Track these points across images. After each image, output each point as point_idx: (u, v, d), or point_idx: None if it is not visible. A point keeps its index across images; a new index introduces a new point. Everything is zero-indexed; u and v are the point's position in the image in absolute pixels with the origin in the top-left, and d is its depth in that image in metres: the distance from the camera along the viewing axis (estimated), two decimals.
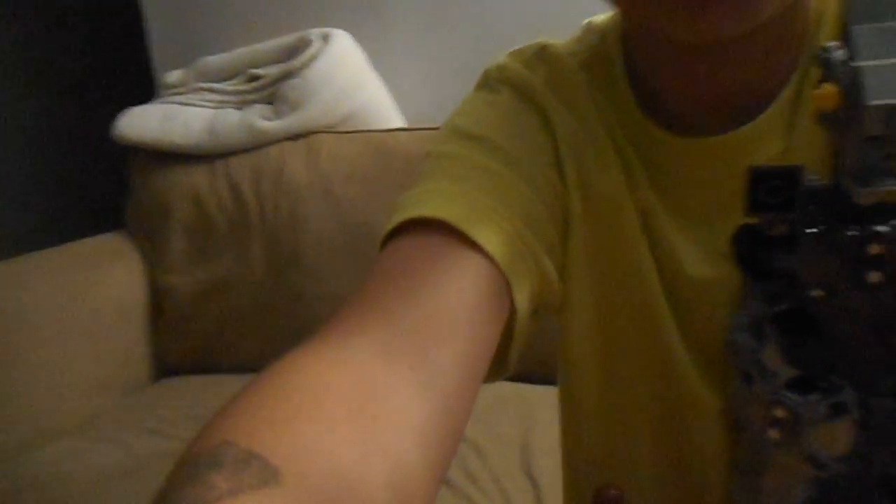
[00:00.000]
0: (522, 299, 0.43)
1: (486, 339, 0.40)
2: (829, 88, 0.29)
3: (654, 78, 0.49)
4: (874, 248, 0.31)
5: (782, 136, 0.45)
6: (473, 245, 0.41)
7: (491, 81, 0.52)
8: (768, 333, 0.34)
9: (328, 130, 1.46)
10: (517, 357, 0.46)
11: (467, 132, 0.48)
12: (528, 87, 0.50)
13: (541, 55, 0.52)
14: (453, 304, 0.39)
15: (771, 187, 0.33)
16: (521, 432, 1.30)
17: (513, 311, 0.42)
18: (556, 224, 0.48)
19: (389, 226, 0.43)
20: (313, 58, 1.43)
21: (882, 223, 0.31)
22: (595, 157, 0.49)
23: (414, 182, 0.46)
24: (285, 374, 0.33)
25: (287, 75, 1.44)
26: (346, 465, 0.29)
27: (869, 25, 0.30)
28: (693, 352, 0.48)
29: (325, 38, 1.46)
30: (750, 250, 0.36)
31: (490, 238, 0.41)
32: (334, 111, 1.45)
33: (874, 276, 0.31)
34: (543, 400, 1.33)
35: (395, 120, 1.55)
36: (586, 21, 0.54)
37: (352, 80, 1.49)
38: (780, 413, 0.33)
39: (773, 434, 0.34)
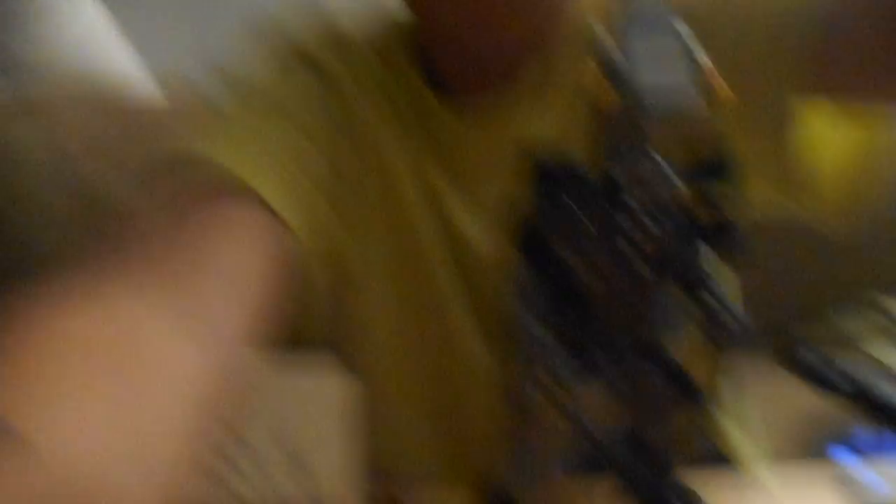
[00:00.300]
0: (310, 260, 0.41)
1: (268, 294, 0.37)
2: (608, 93, 0.32)
3: (432, 28, 0.48)
4: (623, 221, 0.34)
5: (545, 114, 0.47)
6: (260, 199, 0.38)
7: (277, 49, 0.50)
8: (535, 302, 0.37)
9: (54, 95, 1.28)
10: (304, 322, 0.45)
11: (251, 92, 0.46)
12: (315, 57, 0.49)
13: (328, 28, 0.51)
14: (232, 254, 0.36)
15: (547, 174, 0.36)
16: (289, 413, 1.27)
17: (298, 272, 0.40)
18: (344, 190, 0.47)
19: (162, 162, 0.39)
20: (38, 14, 1.25)
21: (631, 201, 0.35)
22: (383, 130, 0.49)
23: (189, 130, 0.43)
24: (33, 324, 0.28)
25: (3, 30, 1.24)
26: (102, 426, 0.26)
27: (643, 37, 0.33)
28: (482, 328, 0.50)
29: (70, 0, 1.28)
30: (525, 232, 0.38)
31: (279, 194, 0.39)
32: (65, 72, 1.28)
33: (622, 245, 0.35)
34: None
35: (140, 84, 1.41)
36: None
37: (87, 40, 1.33)
38: (544, 378, 0.36)
39: (539, 398, 0.37)
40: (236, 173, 0.38)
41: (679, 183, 0.35)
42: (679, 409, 0.38)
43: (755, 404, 0.61)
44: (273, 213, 0.39)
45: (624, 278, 0.36)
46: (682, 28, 0.33)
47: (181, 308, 0.32)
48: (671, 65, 0.32)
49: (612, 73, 0.33)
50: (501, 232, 0.44)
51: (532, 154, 0.36)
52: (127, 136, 1.25)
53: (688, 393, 0.37)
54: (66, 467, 0.25)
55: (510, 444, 0.40)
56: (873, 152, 0.45)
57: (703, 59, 0.32)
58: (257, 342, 0.36)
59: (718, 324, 0.36)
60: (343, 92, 0.48)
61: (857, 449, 1.06)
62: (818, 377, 1.20)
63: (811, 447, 1.04)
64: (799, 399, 1.15)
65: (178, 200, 0.37)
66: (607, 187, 0.35)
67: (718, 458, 0.57)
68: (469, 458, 0.52)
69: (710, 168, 0.36)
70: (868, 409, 1.12)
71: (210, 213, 0.37)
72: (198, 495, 0.31)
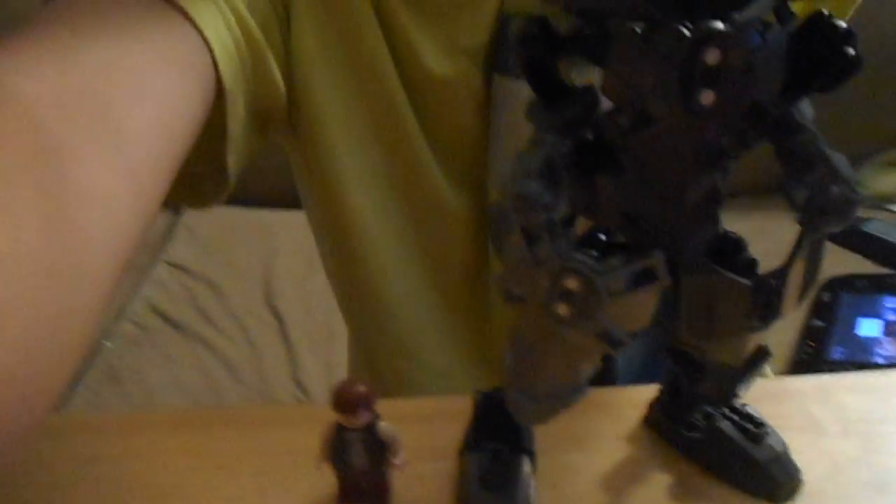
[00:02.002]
0: (235, 87, 0.36)
1: (185, 111, 0.33)
2: None
3: None
4: (710, 56, 0.21)
5: None
6: (182, 14, 0.33)
7: None
8: (561, 178, 0.25)
9: None
10: (238, 169, 0.40)
11: None
12: None
13: None
14: (146, 58, 0.31)
15: None
16: (261, 264, 1.19)
17: (223, 104, 0.36)
18: (277, 13, 0.41)
19: None
20: None
21: (722, 19, 0.22)
22: None
23: None
24: None
25: None
26: (31, 241, 0.23)
27: None
28: (438, 153, 0.46)
29: None
30: (539, 57, 0.25)
31: (203, 13, 0.34)
32: None
33: (706, 97, 0.22)
34: (285, 226, 1.23)
35: None
36: None
37: None
38: (571, 284, 0.25)
39: (562, 310, 0.25)
40: None
41: None
42: (750, 326, 0.26)
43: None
44: (204, 35, 0.34)
45: (697, 143, 0.24)
46: None
47: (95, 119, 0.28)
48: None
49: None
50: (467, 56, 0.42)
51: None
52: None
53: (768, 307, 0.26)
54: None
55: (519, 362, 0.29)
56: None
57: None
58: (175, 161, 0.32)
59: (826, 203, 0.24)
60: None
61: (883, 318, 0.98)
62: (846, 239, 1.10)
63: (838, 316, 0.96)
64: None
65: (104, 4, 0.33)
66: None
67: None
68: (451, 292, 0.51)
69: None
70: None
71: (137, 21, 0.32)
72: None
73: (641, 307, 0.25)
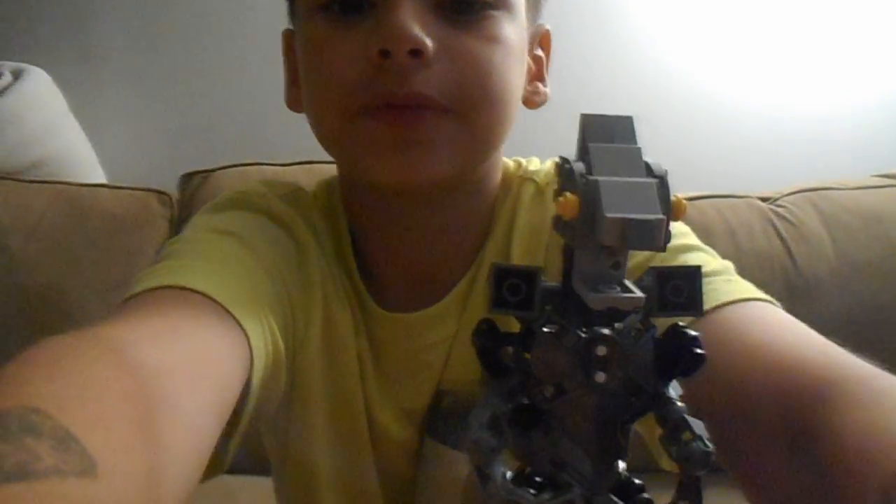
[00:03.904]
0: (256, 384, 0.44)
1: (228, 402, 0.40)
2: (570, 198, 0.31)
3: (365, 245, 0.58)
4: (599, 350, 0.32)
5: (456, 318, 0.56)
6: (233, 320, 0.42)
7: (248, 204, 0.55)
8: (505, 430, 0.34)
9: (9, 177, 1.26)
10: (234, 455, 0.46)
11: (223, 230, 0.51)
12: (286, 217, 0.55)
13: (296, 195, 0.59)
14: (209, 356, 0.39)
15: (512, 285, 0.34)
16: None
17: (244, 402, 0.42)
18: (291, 334, 0.53)
19: (140, 287, 0.43)
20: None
21: (608, 326, 0.33)
22: (335, 292, 0.57)
23: (160, 259, 0.47)
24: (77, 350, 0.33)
25: None
26: (147, 472, 0.28)
27: (603, 145, 0.32)
28: (384, 480, 0.59)
29: (17, 73, 1.28)
30: (488, 346, 0.36)
31: (246, 319, 0.43)
32: (20, 155, 1.26)
33: (599, 377, 0.32)
34: (249, 491, 1.24)
35: (94, 174, 1.39)
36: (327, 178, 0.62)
37: (45, 124, 1.31)
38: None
39: None
40: (224, 305, 0.43)
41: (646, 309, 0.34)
42: None
43: None
44: (248, 339, 0.43)
45: (599, 409, 0.34)
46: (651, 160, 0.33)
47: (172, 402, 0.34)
48: (642, 196, 0.31)
49: (581, 189, 0.32)
50: (409, 419, 0.56)
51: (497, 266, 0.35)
52: (74, 222, 1.20)
53: None
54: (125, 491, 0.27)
55: None
56: None
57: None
58: (209, 448, 0.38)
59: (690, 455, 0.34)
60: (309, 254, 0.56)
61: None
62: None
63: None
64: None
65: (176, 306, 0.42)
66: (582, 312, 0.33)
67: None
68: None
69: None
70: None
71: (201, 324, 0.41)
72: None
73: None
